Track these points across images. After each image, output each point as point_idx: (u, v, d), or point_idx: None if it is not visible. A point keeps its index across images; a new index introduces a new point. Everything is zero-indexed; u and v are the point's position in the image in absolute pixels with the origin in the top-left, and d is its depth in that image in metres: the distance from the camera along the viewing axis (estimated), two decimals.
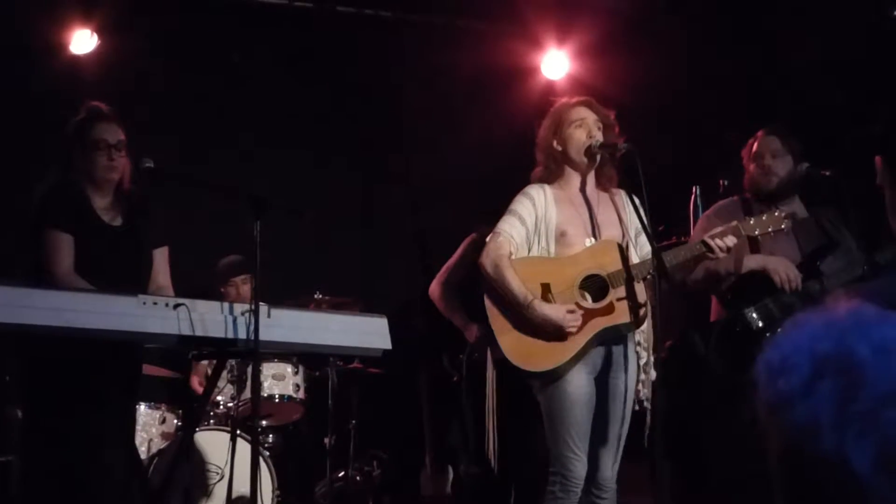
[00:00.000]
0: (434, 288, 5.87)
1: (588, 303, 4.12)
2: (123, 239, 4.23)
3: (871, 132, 5.41)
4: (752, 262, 4.61)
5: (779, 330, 3.90)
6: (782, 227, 4.34)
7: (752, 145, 4.86)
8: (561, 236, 4.18)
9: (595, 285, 4.14)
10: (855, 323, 1.22)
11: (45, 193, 4.13)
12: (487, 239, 4.27)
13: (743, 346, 4.53)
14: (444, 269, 5.89)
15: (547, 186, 4.28)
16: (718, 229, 4.24)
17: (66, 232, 4.04)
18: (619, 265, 4.13)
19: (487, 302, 4.14)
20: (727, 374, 4.56)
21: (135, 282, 4.18)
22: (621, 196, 4.36)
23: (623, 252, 4.16)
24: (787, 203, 4.77)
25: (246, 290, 6.09)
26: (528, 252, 4.20)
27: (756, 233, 4.33)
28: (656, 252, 4.05)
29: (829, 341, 1.21)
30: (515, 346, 4.07)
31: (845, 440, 1.15)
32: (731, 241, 4.18)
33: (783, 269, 4.56)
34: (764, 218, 4.34)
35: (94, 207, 4.19)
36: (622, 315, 4.11)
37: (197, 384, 6.18)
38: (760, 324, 4.57)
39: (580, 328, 4.08)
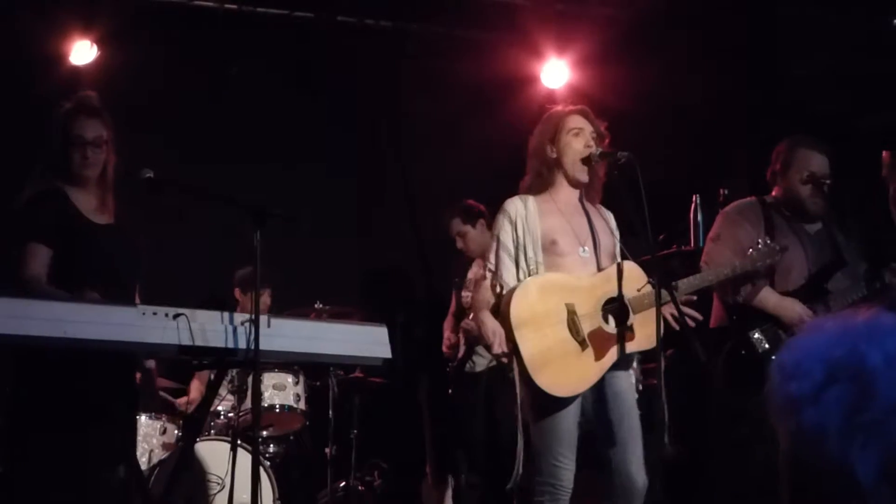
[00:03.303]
0: (444, 324, 6.31)
1: (611, 328, 4.11)
2: (112, 236, 4.17)
3: (876, 125, 5.44)
4: (767, 301, 4.62)
5: None
6: (776, 259, 4.51)
7: (807, 161, 4.77)
8: (551, 245, 4.14)
9: (617, 309, 4.13)
10: (870, 331, 1.21)
11: (26, 205, 4.05)
12: (488, 272, 4.26)
13: (749, 370, 4.54)
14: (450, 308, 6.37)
15: (530, 198, 4.23)
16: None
17: (43, 244, 3.97)
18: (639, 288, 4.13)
19: (513, 317, 4.04)
20: (735, 400, 4.58)
21: (129, 277, 4.16)
22: (604, 212, 4.38)
23: (620, 272, 4.14)
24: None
25: (264, 301, 6.17)
26: (516, 269, 4.17)
27: (757, 266, 4.48)
28: (657, 265, 4.06)
29: (842, 348, 1.21)
30: (540, 367, 4.00)
31: (851, 447, 1.15)
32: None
33: (802, 321, 4.54)
34: (763, 250, 4.47)
35: (79, 209, 4.10)
36: (642, 341, 4.10)
37: (195, 390, 6.18)
38: (766, 345, 4.57)
39: (603, 353, 4.07)
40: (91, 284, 3.93)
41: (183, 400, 6.12)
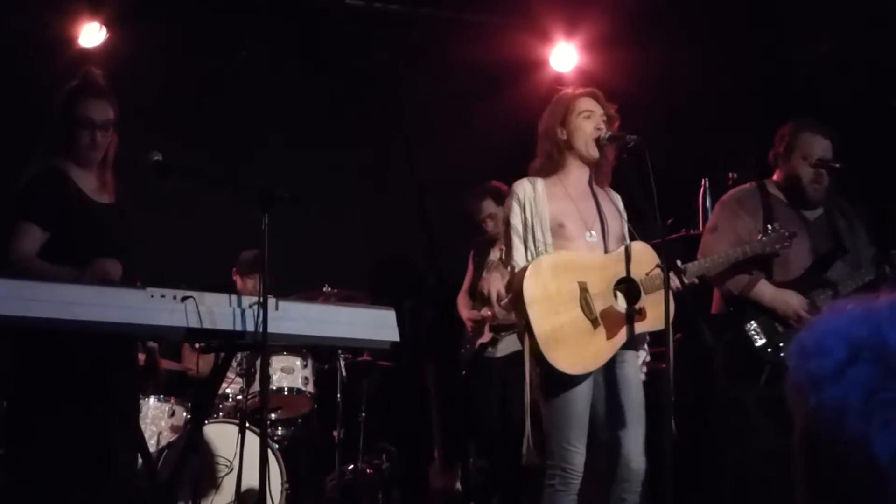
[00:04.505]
0: (458, 300, 6.23)
1: (624, 307, 4.11)
2: (114, 215, 4.16)
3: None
4: (763, 294, 4.62)
5: (781, 344, 3.93)
6: (786, 244, 4.48)
7: (811, 144, 4.73)
8: (559, 228, 4.15)
9: (628, 289, 4.13)
10: (893, 314, 1.21)
11: (26, 185, 4.03)
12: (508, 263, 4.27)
13: (745, 362, 4.54)
14: (464, 283, 6.29)
15: (539, 180, 4.23)
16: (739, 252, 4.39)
17: (36, 224, 3.96)
18: (651, 269, 4.12)
19: (526, 295, 4.03)
20: (733, 391, 4.58)
21: (131, 256, 4.15)
22: (612, 195, 4.38)
23: (628, 254, 4.15)
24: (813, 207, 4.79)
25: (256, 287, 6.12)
26: (525, 250, 4.17)
27: (766, 251, 4.47)
28: (665, 249, 4.06)
29: (865, 328, 1.20)
30: (553, 344, 4.00)
31: (871, 426, 1.15)
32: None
33: (797, 314, 4.54)
34: (772, 235, 4.46)
35: (80, 189, 4.10)
36: (654, 321, 4.10)
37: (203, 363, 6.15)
38: (763, 338, 4.57)
39: (615, 333, 4.08)
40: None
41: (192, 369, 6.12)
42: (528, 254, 4.16)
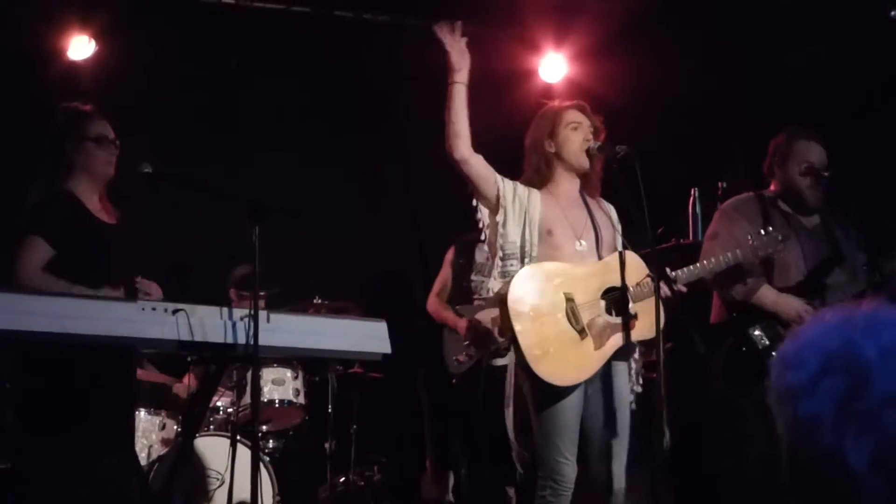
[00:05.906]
0: (429, 302, 6.11)
1: (612, 317, 4.11)
2: (121, 236, 4.19)
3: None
4: (765, 298, 4.65)
5: None
6: (779, 248, 4.51)
7: (806, 152, 4.79)
8: (547, 235, 4.14)
9: (616, 298, 4.13)
10: (867, 324, 1.22)
11: (36, 205, 4.05)
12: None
13: (749, 366, 4.55)
14: (435, 284, 6.16)
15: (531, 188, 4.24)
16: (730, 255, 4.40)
17: (45, 240, 3.96)
18: (638, 279, 4.12)
19: (511, 307, 4.02)
20: (735, 395, 4.59)
21: (141, 273, 4.17)
22: (605, 205, 4.38)
23: (622, 261, 4.14)
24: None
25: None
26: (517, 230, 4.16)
27: (759, 255, 4.49)
28: (655, 258, 4.07)
29: (838, 339, 1.21)
30: (540, 357, 3.99)
31: (844, 438, 1.16)
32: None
33: (801, 317, 4.56)
34: (765, 239, 4.48)
35: (88, 209, 4.13)
36: (643, 330, 4.10)
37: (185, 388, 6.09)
38: (766, 342, 4.59)
39: (603, 342, 4.07)
40: (112, 283, 3.94)
41: (182, 385, 6.07)
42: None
